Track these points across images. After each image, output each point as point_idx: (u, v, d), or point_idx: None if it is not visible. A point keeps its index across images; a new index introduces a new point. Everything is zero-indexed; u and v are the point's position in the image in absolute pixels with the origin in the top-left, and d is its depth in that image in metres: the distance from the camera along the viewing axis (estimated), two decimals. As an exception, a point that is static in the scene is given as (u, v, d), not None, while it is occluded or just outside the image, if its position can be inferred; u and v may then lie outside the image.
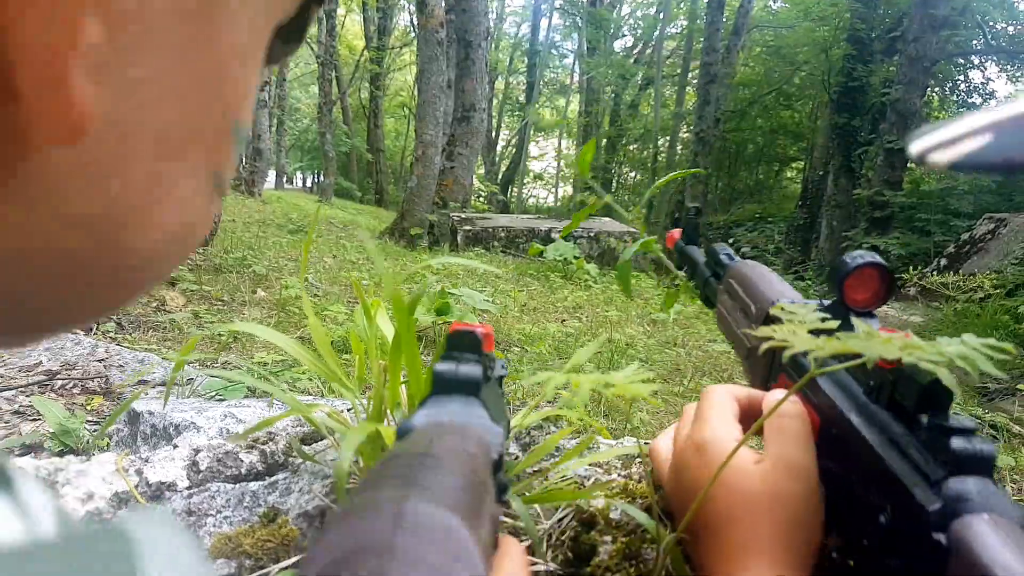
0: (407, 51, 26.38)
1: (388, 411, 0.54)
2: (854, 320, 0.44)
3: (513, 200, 23.43)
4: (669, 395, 2.24)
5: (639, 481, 0.55)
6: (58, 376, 1.54)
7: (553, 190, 31.51)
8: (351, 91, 25.58)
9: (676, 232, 0.90)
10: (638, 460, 0.61)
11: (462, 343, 0.38)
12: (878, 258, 0.48)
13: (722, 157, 18.15)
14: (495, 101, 27.01)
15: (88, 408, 1.34)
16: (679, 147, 19.20)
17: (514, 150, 26.59)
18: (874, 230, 9.91)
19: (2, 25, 0.13)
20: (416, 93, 7.20)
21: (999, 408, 3.92)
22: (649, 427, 1.92)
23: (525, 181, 29.28)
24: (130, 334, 2.08)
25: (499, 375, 0.45)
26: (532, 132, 26.07)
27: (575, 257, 4.72)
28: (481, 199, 15.69)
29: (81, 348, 1.73)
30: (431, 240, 6.86)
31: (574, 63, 26.23)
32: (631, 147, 24.49)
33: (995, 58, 12.88)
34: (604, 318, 3.41)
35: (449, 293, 2.57)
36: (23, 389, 1.45)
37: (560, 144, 29.06)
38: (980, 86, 14.48)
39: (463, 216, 6.58)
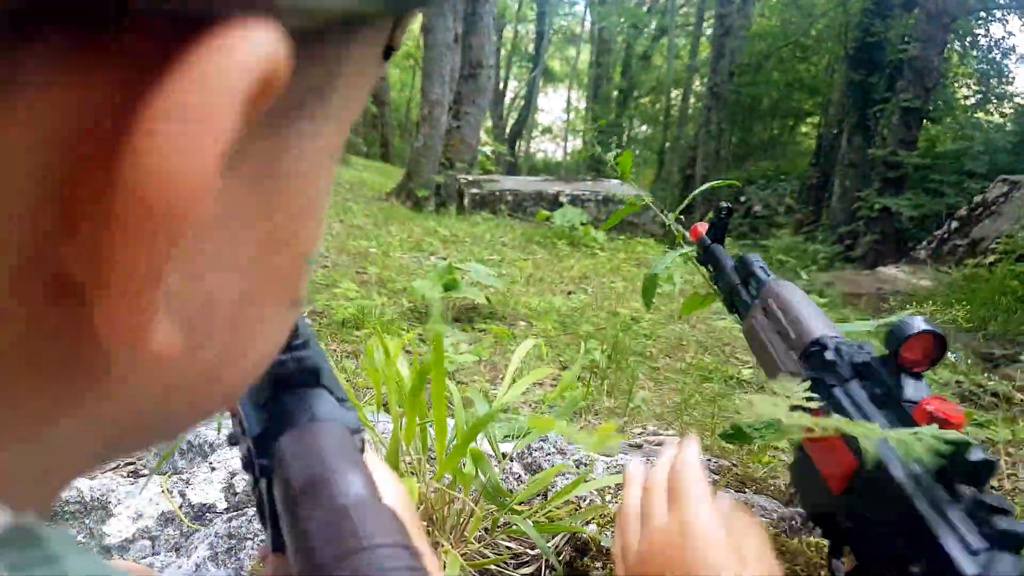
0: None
1: (405, 449, 0.59)
2: (904, 379, 0.50)
3: (521, 155, 23.20)
4: (672, 371, 2.31)
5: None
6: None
7: (562, 144, 31.10)
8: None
9: (702, 227, 0.90)
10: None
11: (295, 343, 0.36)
12: (934, 326, 0.51)
13: (736, 111, 17.79)
14: (503, 51, 26.43)
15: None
16: (692, 99, 18.83)
17: (522, 102, 26.17)
18: (887, 191, 9.80)
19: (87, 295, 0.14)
20: (422, 47, 7.07)
21: (1004, 374, 3.98)
22: (651, 405, 1.99)
23: (533, 135, 28.90)
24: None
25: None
26: (541, 83, 25.55)
27: (582, 224, 4.73)
28: (488, 157, 15.51)
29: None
30: (438, 201, 6.86)
31: (585, 11, 25.51)
32: (643, 100, 24.03)
33: (1018, 12, 12.43)
34: (610, 289, 3.46)
35: (456, 268, 2.62)
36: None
37: (570, 96, 28.50)
38: (1001, 40, 14.05)
39: (470, 179, 6.56)
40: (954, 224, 8.45)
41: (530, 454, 0.74)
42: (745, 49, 14.79)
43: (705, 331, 2.79)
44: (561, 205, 6.10)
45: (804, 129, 20.06)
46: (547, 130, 32.20)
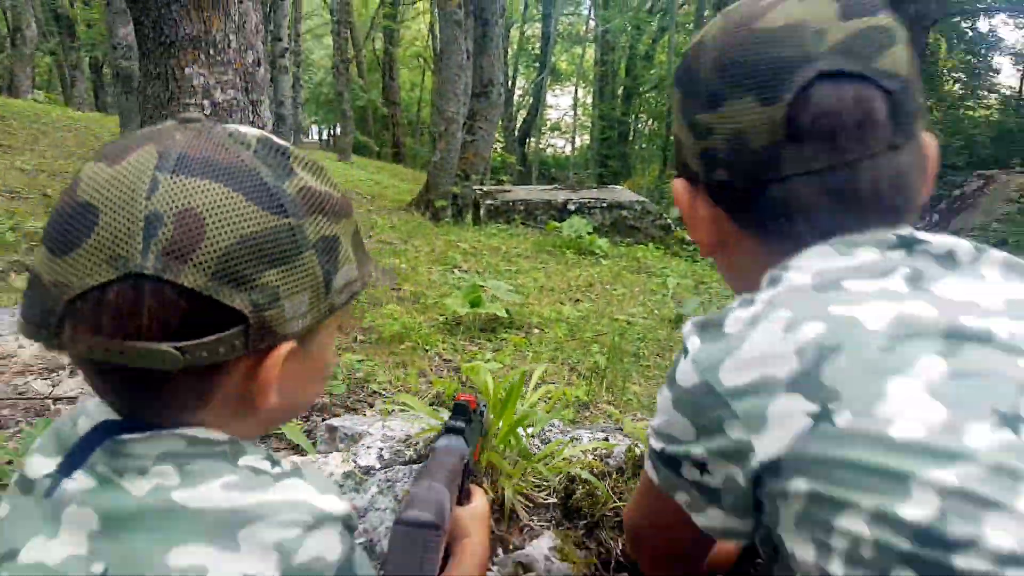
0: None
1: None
2: None
3: (531, 152, 23.64)
4: (660, 369, 2.79)
5: (600, 459, 1.10)
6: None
7: (570, 139, 31.51)
8: (364, 42, 25.50)
9: None
10: (602, 450, 1.16)
11: (460, 407, 0.87)
12: None
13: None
14: (509, 52, 26.83)
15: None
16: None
17: (531, 99, 26.58)
18: (882, 184, 10.18)
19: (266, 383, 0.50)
20: (437, 69, 7.54)
21: None
22: (641, 398, 2.48)
23: (542, 131, 29.32)
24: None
25: (481, 410, 0.92)
26: (548, 82, 25.91)
27: (588, 233, 5.21)
28: (498, 160, 16.00)
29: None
30: (455, 211, 7.36)
31: (590, 11, 25.81)
32: (648, 95, 24.36)
33: (993, 13, 12.71)
34: (612, 295, 3.94)
35: (480, 286, 3.11)
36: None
37: (576, 93, 28.89)
38: (988, 34, 14.34)
39: (485, 190, 7.06)
40: (935, 216, 8.85)
41: (543, 433, 1.24)
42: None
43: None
44: (569, 212, 6.58)
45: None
46: (555, 127, 32.55)
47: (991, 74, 15.84)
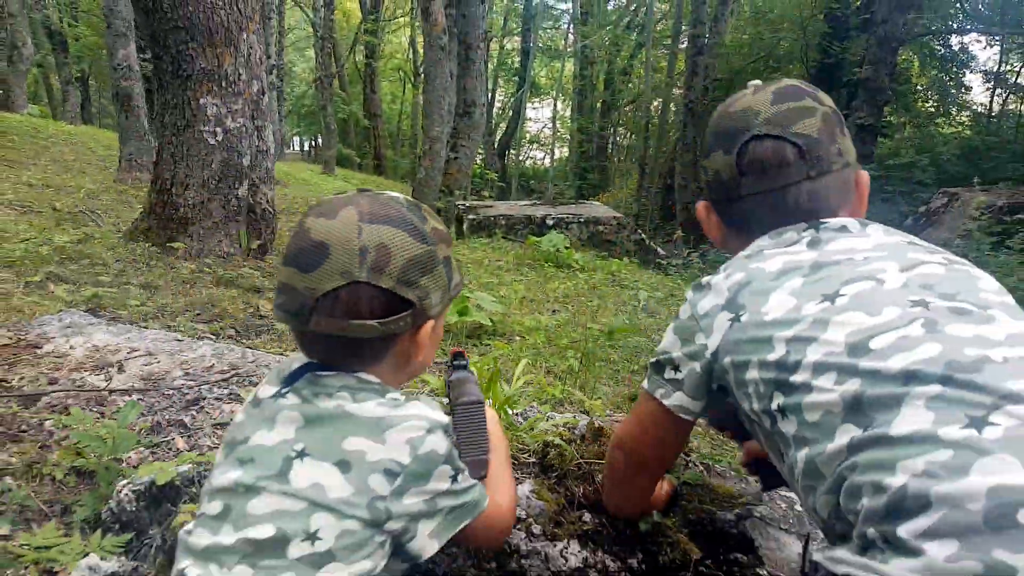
0: (400, 14, 26.54)
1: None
2: None
3: (511, 165, 24.08)
4: (626, 371, 3.17)
5: (568, 430, 1.47)
6: (233, 374, 2.46)
7: (549, 151, 32.06)
8: (347, 57, 25.79)
9: None
10: (570, 425, 1.52)
11: (458, 354, 1.22)
12: None
13: (714, 121, 18.63)
14: (489, 66, 27.30)
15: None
16: (672, 107, 19.75)
17: (511, 112, 27.06)
18: (845, 200, 10.70)
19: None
20: (416, 103, 7.90)
21: None
22: (608, 396, 2.85)
23: (522, 144, 29.81)
24: (249, 338, 2.99)
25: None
26: (528, 96, 26.41)
27: (565, 247, 5.60)
28: (478, 172, 16.36)
29: (234, 354, 2.63)
30: (440, 225, 7.72)
31: (568, 26, 26.38)
32: (626, 108, 24.96)
33: (957, 34, 13.36)
34: (587, 306, 4.32)
35: (467, 297, 3.47)
36: (218, 383, 2.37)
37: (556, 106, 29.48)
38: (960, 52, 15.01)
39: (468, 205, 7.42)
40: (901, 232, 9.37)
41: (524, 413, 1.61)
42: (720, 65, 15.69)
43: (658, 340, 3.66)
44: (548, 227, 6.98)
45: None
46: (535, 139, 33.04)
47: (963, 92, 16.50)
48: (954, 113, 15.86)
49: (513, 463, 1.40)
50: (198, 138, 3.67)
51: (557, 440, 1.40)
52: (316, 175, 17.49)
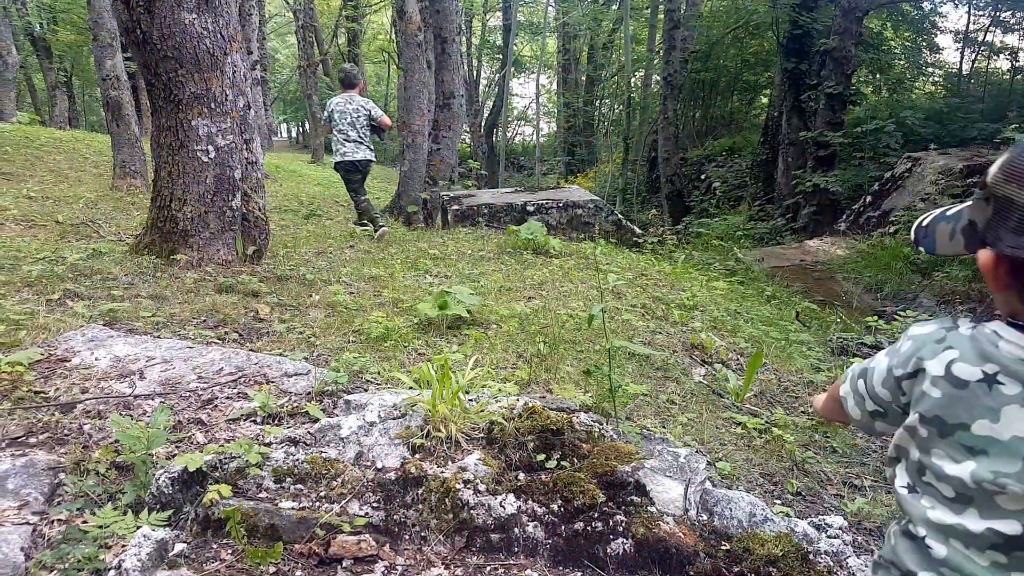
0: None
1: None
2: None
3: (499, 143, 24.24)
4: (590, 353, 3.55)
5: (509, 411, 1.86)
6: (240, 376, 2.83)
7: (535, 127, 32.11)
8: (329, 42, 25.77)
9: None
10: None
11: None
12: None
13: (697, 89, 18.85)
14: (473, 42, 27.27)
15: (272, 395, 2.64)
16: (655, 77, 19.89)
17: (496, 90, 27.10)
18: (819, 168, 11.06)
19: None
20: (401, 85, 8.17)
21: (895, 328, 5.24)
22: (572, 376, 3.23)
23: (509, 121, 29.89)
24: (251, 341, 3.36)
25: None
26: (512, 71, 26.43)
27: (543, 236, 5.95)
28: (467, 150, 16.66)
29: (239, 358, 3.00)
30: (425, 214, 8.06)
31: (547, 1, 26.30)
32: (611, 80, 25.04)
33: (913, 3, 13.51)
34: (560, 292, 4.70)
35: (447, 292, 3.84)
36: (227, 384, 2.74)
37: (539, 81, 29.48)
38: (930, 12, 15.18)
39: (451, 195, 7.75)
40: (868, 198, 9.71)
41: (477, 398, 1.99)
42: (697, 37, 15.85)
43: (621, 322, 4.04)
44: (529, 214, 7.33)
45: (764, 100, 21.17)
46: (522, 116, 33.10)
47: (934, 53, 16.66)
48: (927, 75, 16.07)
49: (465, 438, 1.79)
50: (192, 157, 4.01)
51: (499, 420, 1.78)
52: (306, 165, 17.73)
